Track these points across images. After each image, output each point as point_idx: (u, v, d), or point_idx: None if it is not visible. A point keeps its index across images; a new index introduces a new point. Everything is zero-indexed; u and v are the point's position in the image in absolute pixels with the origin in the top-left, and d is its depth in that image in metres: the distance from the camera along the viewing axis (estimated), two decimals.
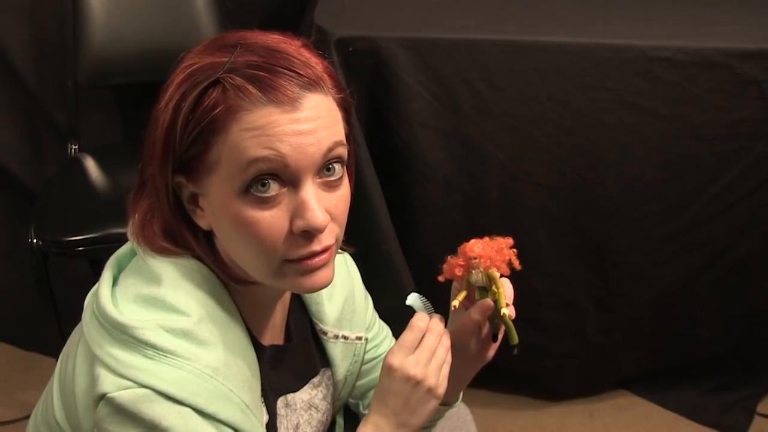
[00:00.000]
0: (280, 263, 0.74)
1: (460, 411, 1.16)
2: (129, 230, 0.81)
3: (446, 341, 0.88)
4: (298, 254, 0.73)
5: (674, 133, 1.56)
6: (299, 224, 0.72)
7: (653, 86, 1.51)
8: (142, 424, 0.69)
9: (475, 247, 0.90)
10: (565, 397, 1.91)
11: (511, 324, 0.89)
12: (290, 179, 0.71)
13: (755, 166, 1.59)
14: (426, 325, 0.88)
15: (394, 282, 1.57)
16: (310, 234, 0.73)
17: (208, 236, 0.79)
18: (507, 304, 0.88)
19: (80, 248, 1.59)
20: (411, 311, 0.93)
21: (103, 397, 0.69)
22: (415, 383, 0.84)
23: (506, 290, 0.90)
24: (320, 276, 0.76)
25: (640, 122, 1.54)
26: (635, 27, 1.60)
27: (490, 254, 0.90)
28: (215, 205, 0.74)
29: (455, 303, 0.91)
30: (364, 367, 1.04)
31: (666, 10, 1.70)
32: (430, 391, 0.85)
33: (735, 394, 1.89)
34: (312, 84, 0.71)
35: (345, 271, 1.00)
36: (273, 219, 0.72)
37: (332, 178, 0.74)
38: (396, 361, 0.84)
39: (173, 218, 0.77)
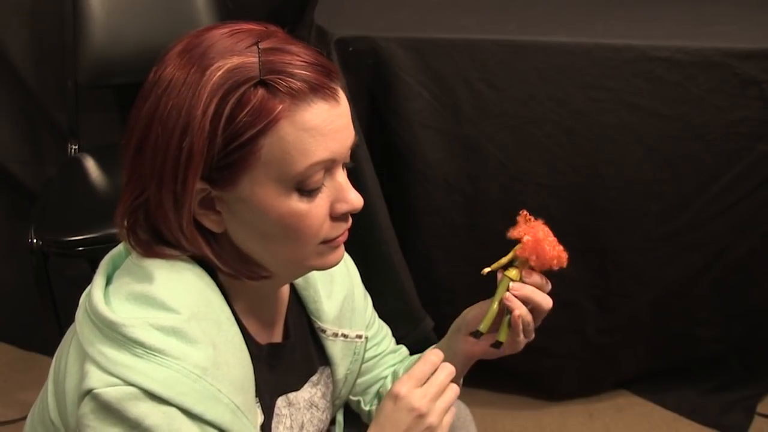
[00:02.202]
0: (315, 247, 0.78)
1: (461, 411, 1.16)
2: (123, 238, 0.80)
3: (456, 387, 0.86)
4: (336, 234, 0.78)
5: (674, 133, 1.56)
6: (343, 207, 0.77)
7: (653, 86, 1.51)
8: (126, 422, 0.69)
9: (530, 231, 0.89)
10: (565, 397, 1.91)
11: (493, 310, 0.88)
12: (329, 168, 0.75)
13: (755, 166, 1.59)
14: (439, 360, 0.86)
15: (393, 282, 1.57)
16: (347, 215, 0.78)
17: (216, 237, 0.78)
18: (510, 299, 0.88)
19: (80, 248, 1.59)
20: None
21: (89, 392, 0.69)
22: (418, 416, 0.82)
23: (531, 288, 0.90)
24: (341, 251, 0.81)
25: (640, 122, 1.54)
26: (635, 27, 1.60)
27: (530, 238, 0.88)
28: (253, 206, 0.74)
29: (486, 269, 0.90)
30: (364, 365, 1.04)
31: (666, 10, 1.70)
32: (430, 428, 0.83)
33: (735, 394, 1.89)
34: (335, 74, 0.74)
35: (344, 269, 1.00)
36: (318, 208, 0.75)
37: (347, 161, 0.78)
38: (403, 390, 0.83)
39: (188, 226, 0.75)
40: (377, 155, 1.57)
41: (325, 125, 0.72)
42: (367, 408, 1.09)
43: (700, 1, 1.76)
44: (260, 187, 0.73)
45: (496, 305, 0.89)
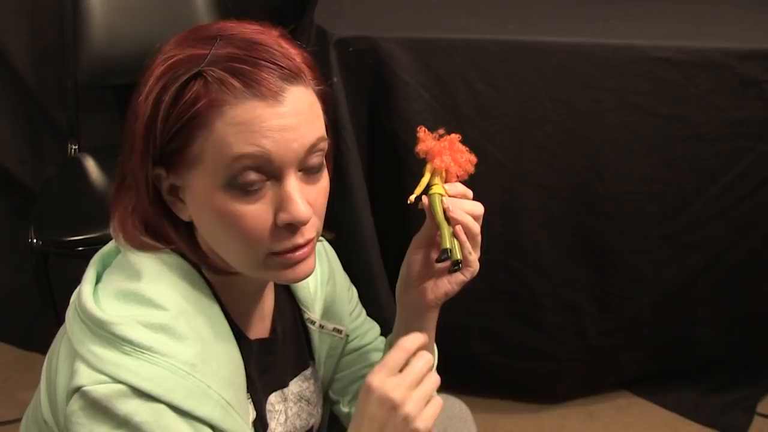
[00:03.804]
0: (264, 256, 0.74)
1: (462, 411, 1.16)
2: (111, 226, 0.80)
3: (436, 377, 0.80)
4: (282, 247, 0.74)
5: (674, 133, 1.56)
6: (284, 217, 0.72)
7: (653, 86, 1.51)
8: (114, 419, 0.68)
9: (439, 141, 0.87)
10: (566, 398, 1.91)
11: (444, 226, 0.84)
12: (273, 173, 0.72)
13: (755, 166, 1.59)
14: (414, 347, 0.80)
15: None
16: (294, 227, 0.73)
17: (189, 228, 0.79)
18: (447, 208, 0.84)
19: (80, 248, 1.58)
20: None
21: (78, 390, 0.69)
22: (391, 407, 0.75)
23: (460, 200, 0.86)
24: (303, 267, 0.76)
25: (640, 122, 1.54)
26: (635, 27, 1.60)
27: (445, 145, 0.87)
28: (198, 198, 0.74)
29: (411, 197, 0.86)
30: (345, 358, 1.03)
31: (666, 10, 1.70)
32: (407, 420, 0.75)
33: (735, 394, 1.89)
34: (294, 76, 0.72)
35: (324, 258, 1.00)
36: (257, 212, 0.72)
37: (313, 172, 0.75)
38: (375, 380, 0.76)
39: (153, 210, 0.77)
40: (377, 156, 1.57)
41: (257, 122, 0.69)
42: (346, 410, 1.06)
43: (700, 1, 1.76)
44: (201, 179, 0.72)
45: (444, 223, 0.85)
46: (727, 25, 1.61)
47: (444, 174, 0.88)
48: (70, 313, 0.77)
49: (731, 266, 1.71)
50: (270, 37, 0.74)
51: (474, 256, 0.87)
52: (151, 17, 1.89)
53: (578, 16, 1.66)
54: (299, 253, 0.75)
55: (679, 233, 1.66)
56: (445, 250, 0.83)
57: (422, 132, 0.88)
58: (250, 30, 0.74)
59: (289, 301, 0.96)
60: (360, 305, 1.08)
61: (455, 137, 0.88)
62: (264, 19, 0.78)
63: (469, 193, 0.89)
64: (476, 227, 0.86)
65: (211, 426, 0.73)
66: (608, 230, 1.66)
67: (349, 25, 1.55)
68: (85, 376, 0.69)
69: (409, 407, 0.75)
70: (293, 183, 0.73)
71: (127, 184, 0.79)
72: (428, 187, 0.87)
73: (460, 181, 0.90)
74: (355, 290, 1.07)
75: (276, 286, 0.93)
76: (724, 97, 1.53)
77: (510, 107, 1.53)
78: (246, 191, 0.71)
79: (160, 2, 1.90)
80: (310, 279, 0.96)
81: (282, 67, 0.71)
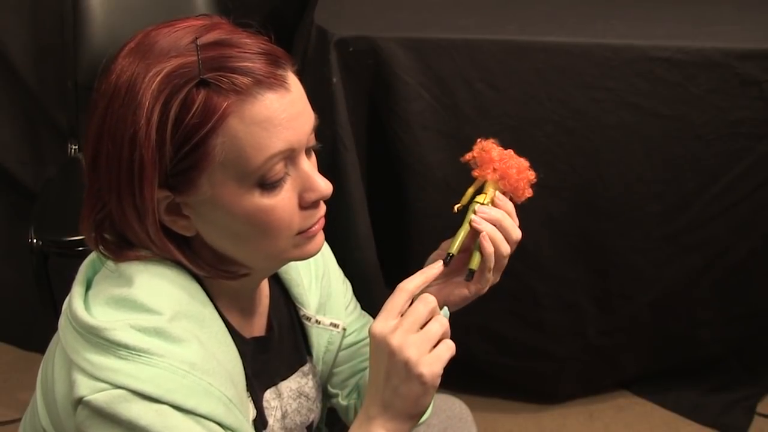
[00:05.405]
0: (293, 238, 0.76)
1: (462, 411, 1.16)
2: (88, 243, 0.78)
3: (443, 320, 0.76)
4: (310, 223, 0.77)
5: (674, 133, 1.56)
6: (311, 196, 0.75)
7: (653, 86, 1.51)
8: (122, 425, 0.68)
9: (494, 151, 0.88)
10: (566, 398, 1.91)
11: (462, 232, 0.85)
12: (293, 159, 0.74)
13: (755, 166, 1.59)
14: (414, 287, 0.78)
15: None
16: (317, 202, 0.76)
17: (187, 241, 0.77)
18: (477, 225, 0.84)
19: (80, 248, 1.58)
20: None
21: (80, 401, 0.69)
22: (390, 352, 0.72)
23: (499, 211, 0.86)
24: (321, 237, 0.80)
25: (640, 122, 1.54)
26: (635, 27, 1.60)
27: (501, 163, 0.86)
28: (218, 207, 0.73)
29: (456, 207, 0.87)
30: (342, 352, 1.02)
31: (666, 10, 1.70)
32: (407, 365, 0.72)
33: (735, 394, 1.90)
34: (282, 61, 0.73)
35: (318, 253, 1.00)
36: (284, 200, 0.74)
37: (310, 145, 0.77)
38: (374, 326, 0.75)
39: (156, 235, 0.74)
40: (377, 157, 1.57)
41: (277, 115, 0.70)
42: (344, 403, 1.05)
43: (700, 1, 1.76)
44: (221, 188, 0.71)
45: (467, 225, 0.85)
46: (727, 25, 1.61)
47: (493, 185, 0.88)
48: (62, 322, 0.76)
49: (731, 266, 1.71)
50: (234, 31, 0.73)
51: (489, 276, 0.86)
52: (151, 17, 1.87)
53: (578, 16, 1.66)
54: (319, 224, 0.78)
55: (679, 233, 1.65)
56: (448, 255, 0.85)
57: (479, 142, 0.89)
58: (207, 25, 0.73)
59: (283, 299, 0.95)
60: (355, 299, 1.08)
61: (489, 148, 0.88)
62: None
63: (515, 215, 0.88)
64: (504, 246, 0.85)
65: (214, 422, 0.72)
66: (608, 230, 1.65)
67: (349, 25, 1.55)
68: (84, 386, 0.69)
69: (410, 352, 0.72)
70: (307, 163, 0.75)
71: (108, 212, 0.75)
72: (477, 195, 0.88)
73: (516, 201, 0.89)
74: (349, 284, 1.07)
75: (270, 284, 0.93)
76: (724, 97, 1.53)
77: (510, 107, 1.53)
78: (273, 184, 0.72)
79: (160, 2, 1.90)
80: (304, 275, 0.96)
81: (271, 54, 0.71)
